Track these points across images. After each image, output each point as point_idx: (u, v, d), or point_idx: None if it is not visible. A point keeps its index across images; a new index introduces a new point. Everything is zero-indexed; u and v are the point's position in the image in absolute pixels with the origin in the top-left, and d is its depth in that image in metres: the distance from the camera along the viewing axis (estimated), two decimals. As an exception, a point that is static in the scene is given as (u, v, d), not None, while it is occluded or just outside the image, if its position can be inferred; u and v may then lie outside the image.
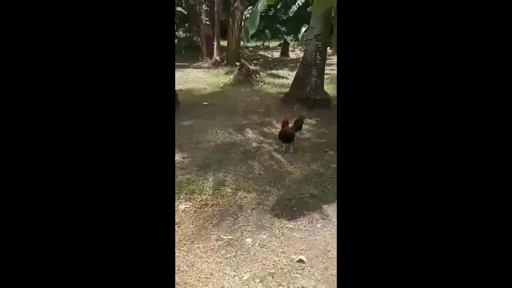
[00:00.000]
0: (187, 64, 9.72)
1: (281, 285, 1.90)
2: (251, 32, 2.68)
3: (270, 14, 16.72)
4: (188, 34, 12.83)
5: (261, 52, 13.26)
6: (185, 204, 2.68)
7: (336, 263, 2.07)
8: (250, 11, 10.27)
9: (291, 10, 14.06)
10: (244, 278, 1.94)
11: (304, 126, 4.16)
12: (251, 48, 13.68)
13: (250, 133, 4.28)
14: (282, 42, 13.40)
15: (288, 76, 7.93)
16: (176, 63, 9.11)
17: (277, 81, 7.62)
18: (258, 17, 2.76)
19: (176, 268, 2.01)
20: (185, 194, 2.81)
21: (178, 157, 3.53)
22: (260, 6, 2.80)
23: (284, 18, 16.17)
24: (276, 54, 12.71)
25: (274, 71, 8.75)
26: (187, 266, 2.03)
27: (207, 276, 1.96)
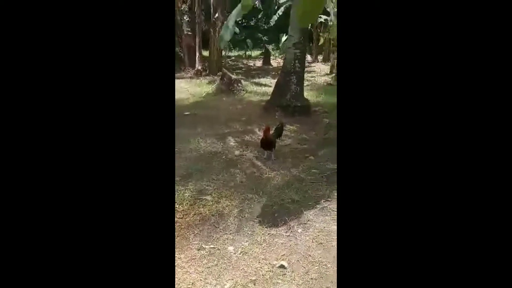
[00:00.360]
0: (169, 74, 9.68)
1: (263, 292, 1.91)
2: (226, 40, 2.72)
3: (252, 24, 16.93)
4: (170, 45, 12.87)
5: (243, 61, 13.37)
6: (166, 215, 2.66)
7: (317, 267, 2.10)
8: (238, 20, 10.39)
9: (272, 20, 14.29)
10: (225, 287, 1.94)
11: (285, 133, 4.21)
12: (233, 58, 13.79)
13: (232, 142, 4.30)
14: (263, 51, 13.56)
15: (270, 84, 8.02)
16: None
17: (259, 89, 7.70)
18: (232, 26, 2.81)
19: (157, 279, 1.99)
20: (166, 204, 2.79)
21: (159, 167, 3.51)
22: (234, 15, 2.85)
23: (266, 27, 16.40)
24: (258, 63, 12.85)
25: (256, 80, 8.85)
26: (168, 277, 2.01)
27: (189, 286, 1.94)
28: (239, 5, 3.20)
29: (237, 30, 11.10)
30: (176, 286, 1.94)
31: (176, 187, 3.08)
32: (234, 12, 2.99)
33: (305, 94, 5.76)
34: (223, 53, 11.42)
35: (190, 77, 9.40)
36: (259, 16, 16.61)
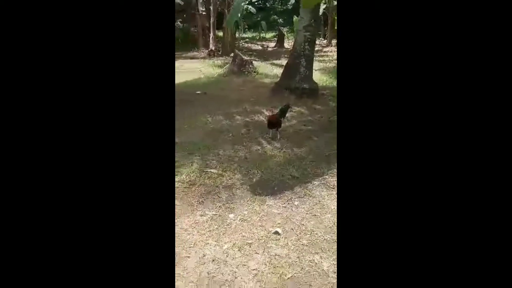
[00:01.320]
0: (183, 54, 9.81)
1: (257, 253, 2.10)
2: (233, 20, 2.84)
3: (268, 5, 16.71)
4: (185, 25, 12.92)
5: (257, 43, 13.33)
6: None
7: (308, 236, 2.28)
8: (247, 2, 10.37)
9: (290, 2, 14.08)
10: (224, 247, 2.14)
11: (291, 114, 4.34)
12: (247, 39, 13.75)
13: (239, 120, 4.46)
14: (277, 33, 13.48)
15: (282, 66, 8.07)
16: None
17: (270, 71, 7.77)
18: (240, 7, 2.91)
19: (163, 238, 2.21)
20: (175, 174, 3.00)
21: (169, 142, 3.73)
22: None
23: (282, 9, 16.19)
24: (272, 45, 12.81)
25: (268, 62, 8.89)
26: (173, 237, 2.23)
27: (190, 246, 2.16)
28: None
29: (253, 10, 11.06)
30: (179, 245, 2.15)
31: (184, 160, 3.28)
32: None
33: (316, 77, 5.83)
34: (237, 34, 11.42)
35: (203, 58, 9.51)
36: (276, -3, 16.39)
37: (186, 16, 12.48)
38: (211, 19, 9.99)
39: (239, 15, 3.03)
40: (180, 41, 11.52)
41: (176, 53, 9.44)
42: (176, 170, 3.08)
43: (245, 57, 7.70)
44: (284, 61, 8.71)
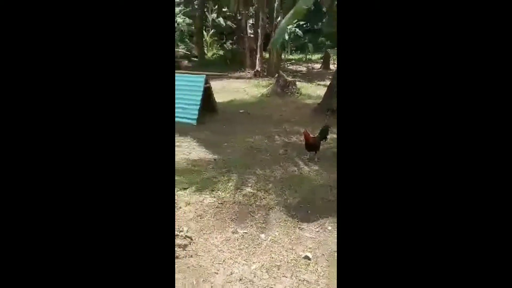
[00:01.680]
0: (230, 73, 10.20)
1: (285, 276, 2.07)
2: (277, 43, 2.92)
3: (316, 27, 16.87)
4: (234, 46, 13.49)
5: (303, 64, 13.46)
6: (209, 199, 2.95)
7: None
8: (295, 25, 10.63)
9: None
10: (252, 267, 2.14)
11: (331, 136, 4.28)
12: (293, 61, 13.94)
13: (278, 140, 4.49)
14: (323, 54, 13.51)
15: (325, 87, 8.04)
16: (220, 73, 9.65)
17: (313, 92, 7.77)
18: (284, 30, 3.00)
19: (194, 252, 2.26)
20: (211, 190, 3.08)
21: (209, 157, 3.85)
22: (286, 21, 3.04)
23: (330, 31, 16.24)
24: (318, 67, 12.84)
25: (312, 83, 8.90)
26: (204, 252, 2.27)
27: (220, 262, 2.18)
28: (292, 10, 3.39)
29: (300, 33, 11.25)
30: (209, 260, 2.19)
31: (221, 177, 3.37)
32: (288, 16, 3.19)
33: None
34: (283, 56, 11.65)
35: (249, 78, 9.79)
36: (324, 20, 16.50)
37: (237, 38, 13.07)
38: (259, 41, 10.33)
39: (285, 37, 3.14)
40: (228, 62, 12.02)
41: (223, 73, 9.87)
42: (212, 186, 3.16)
43: (289, 78, 7.80)
44: (328, 82, 8.68)
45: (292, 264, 2.18)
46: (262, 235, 2.48)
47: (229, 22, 12.84)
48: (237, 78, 9.88)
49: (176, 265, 2.13)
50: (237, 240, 2.42)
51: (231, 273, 2.08)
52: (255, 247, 2.34)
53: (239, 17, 12.22)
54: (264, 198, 3.00)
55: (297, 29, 10.99)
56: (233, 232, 2.51)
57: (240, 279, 2.03)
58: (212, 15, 13.49)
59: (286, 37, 9.96)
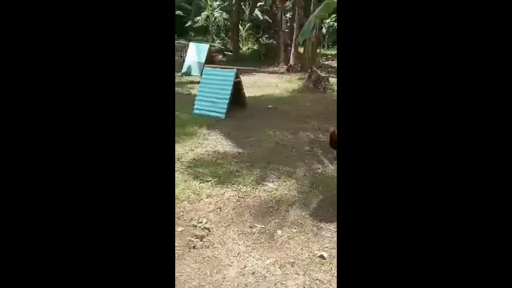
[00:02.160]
0: (263, 68, 10.20)
1: (298, 274, 2.06)
2: (303, 37, 2.88)
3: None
4: (269, 41, 13.45)
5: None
6: (230, 193, 2.99)
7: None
8: (334, 19, 10.32)
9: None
10: (266, 263, 2.15)
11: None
12: (329, 55, 13.62)
13: (304, 137, 4.44)
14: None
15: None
16: (253, 68, 9.67)
17: (347, 89, 7.55)
18: (313, 24, 2.94)
19: (210, 244, 2.31)
20: (232, 184, 3.12)
21: (233, 151, 3.90)
22: (316, 15, 2.98)
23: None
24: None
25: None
26: (220, 244, 2.32)
27: (234, 255, 2.21)
28: (323, 4, 3.30)
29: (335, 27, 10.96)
30: (224, 252, 2.23)
31: (244, 171, 3.40)
32: (317, 10, 3.12)
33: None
34: (318, 50, 11.42)
35: (282, 73, 9.71)
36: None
37: (273, 33, 13.01)
38: (294, 35, 10.20)
39: (312, 32, 3.08)
40: (262, 56, 12.00)
41: (257, 67, 9.86)
42: (234, 180, 3.20)
43: (322, 74, 7.63)
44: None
45: (306, 262, 2.16)
46: (279, 231, 2.48)
47: (266, 17, 12.79)
48: (270, 73, 9.83)
49: (191, 256, 2.19)
50: (254, 234, 2.44)
51: (245, 267, 2.10)
52: (270, 243, 2.35)
53: (275, 11, 12.14)
54: (285, 195, 2.98)
55: (335, 23, 10.70)
56: (250, 226, 2.53)
57: (253, 273, 2.05)
58: (249, 9, 13.51)
59: (323, 31, 9.70)
